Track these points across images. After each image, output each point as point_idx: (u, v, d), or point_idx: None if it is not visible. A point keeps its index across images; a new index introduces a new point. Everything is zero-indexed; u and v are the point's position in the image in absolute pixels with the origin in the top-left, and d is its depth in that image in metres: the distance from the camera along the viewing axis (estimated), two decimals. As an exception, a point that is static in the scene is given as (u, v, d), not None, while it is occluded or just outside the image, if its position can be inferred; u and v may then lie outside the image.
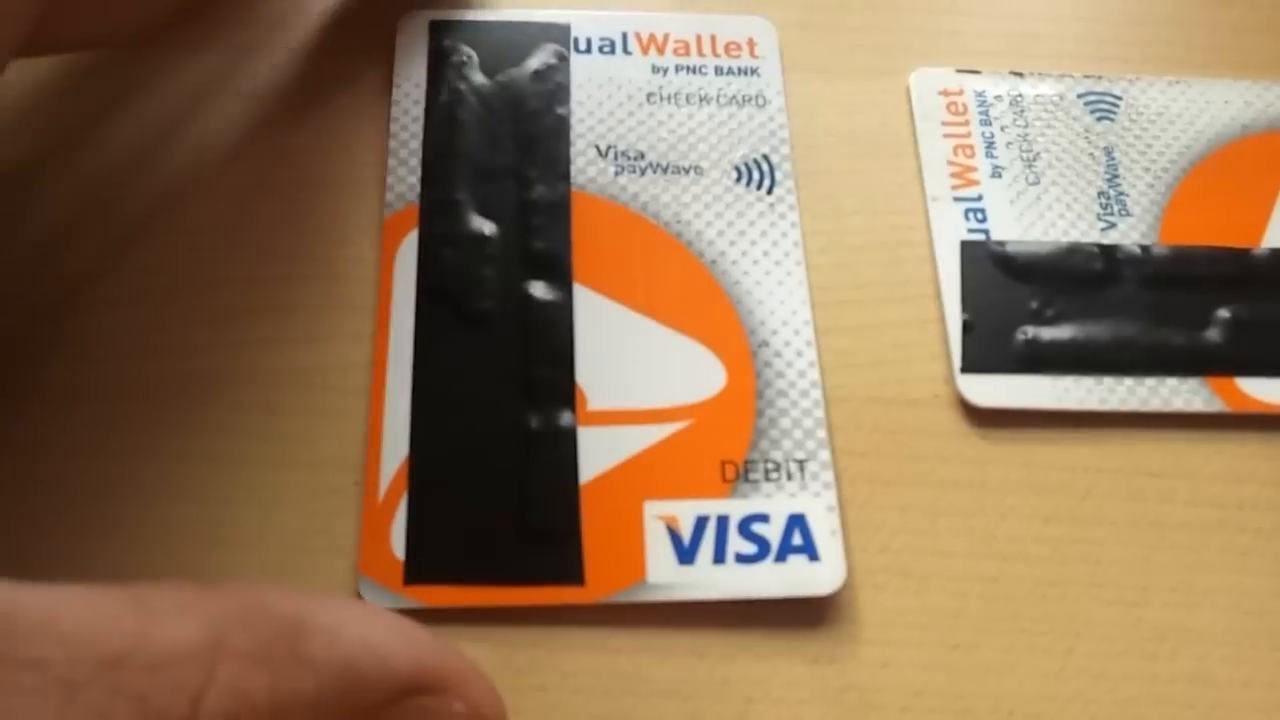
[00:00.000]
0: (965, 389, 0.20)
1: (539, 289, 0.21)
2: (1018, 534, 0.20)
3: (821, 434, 0.20)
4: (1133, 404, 0.20)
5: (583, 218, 0.21)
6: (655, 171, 0.22)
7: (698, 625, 0.18)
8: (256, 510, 0.19)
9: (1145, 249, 0.22)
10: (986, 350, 0.21)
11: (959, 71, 0.24)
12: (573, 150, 0.22)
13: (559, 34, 0.24)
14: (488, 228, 0.21)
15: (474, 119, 0.22)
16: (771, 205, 0.22)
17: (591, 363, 0.20)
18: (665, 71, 0.23)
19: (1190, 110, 0.24)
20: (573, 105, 0.23)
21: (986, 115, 0.23)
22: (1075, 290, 0.21)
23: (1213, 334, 0.21)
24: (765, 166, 0.22)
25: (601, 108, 0.23)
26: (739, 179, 0.22)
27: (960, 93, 0.24)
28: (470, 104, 0.22)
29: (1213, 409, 0.20)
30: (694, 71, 0.23)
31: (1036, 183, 0.22)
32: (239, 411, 0.20)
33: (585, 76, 0.23)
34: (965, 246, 0.22)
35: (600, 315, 0.21)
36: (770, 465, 0.19)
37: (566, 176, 0.22)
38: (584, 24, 0.24)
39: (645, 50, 0.23)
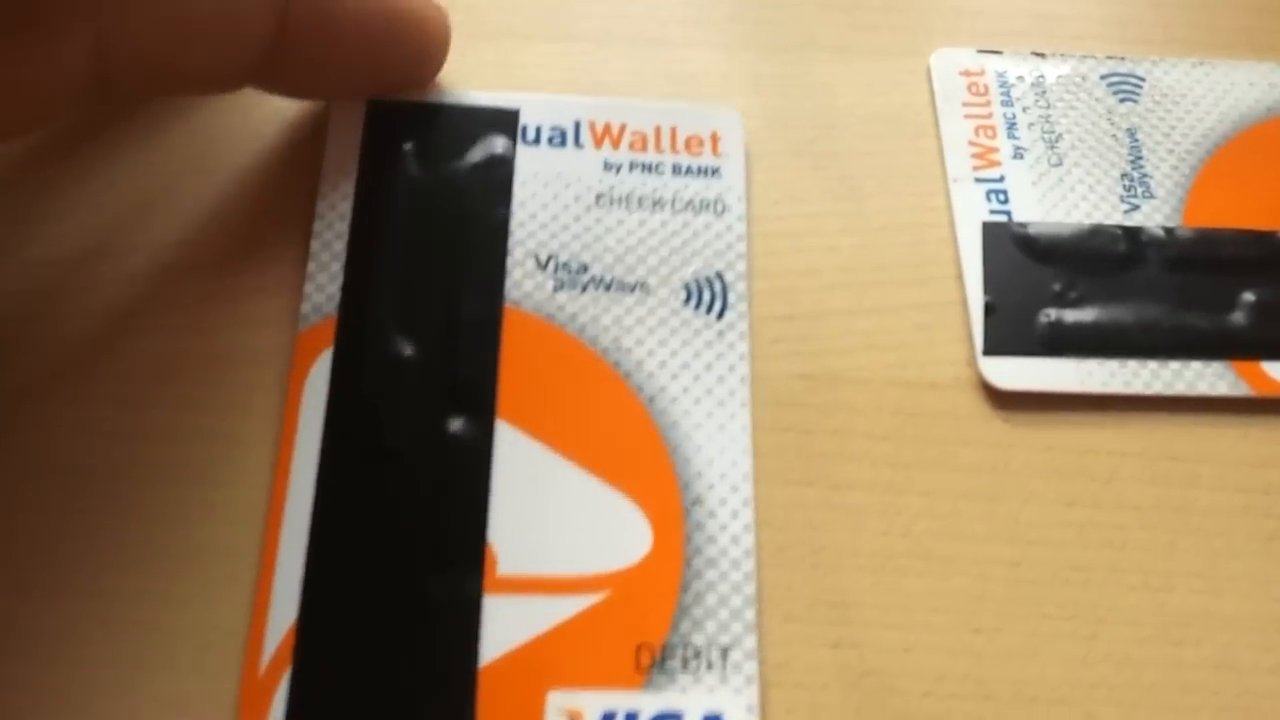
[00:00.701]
0: (987, 371, 0.20)
1: (458, 424, 0.19)
2: (1040, 518, 0.19)
3: (749, 615, 0.18)
4: (1157, 387, 0.20)
5: (514, 341, 0.20)
6: (598, 288, 0.20)
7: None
8: (130, 667, 0.17)
9: (1169, 231, 0.22)
10: (1009, 332, 0.20)
11: (980, 52, 0.24)
12: (510, 259, 0.20)
13: (507, 121, 0.21)
14: (408, 349, 0.19)
15: (405, 219, 0.20)
16: (720, 333, 0.20)
17: (507, 517, 0.18)
18: (618, 169, 0.21)
19: (1215, 92, 0.23)
20: (514, 206, 0.21)
21: (1008, 96, 0.23)
22: (1098, 272, 0.21)
23: (1238, 317, 0.21)
24: (718, 286, 0.20)
25: (546, 210, 0.21)
26: (688, 300, 0.20)
27: (982, 73, 0.23)
28: (403, 201, 0.20)
29: (1238, 393, 0.20)
30: (649, 170, 0.21)
31: (1059, 164, 0.22)
32: (122, 552, 0.18)
33: (531, 172, 0.21)
34: (987, 228, 0.21)
35: (522, 459, 0.19)
36: (690, 652, 0.18)
37: (500, 291, 0.20)
38: (535, 110, 0.22)
39: (599, 143, 0.21)
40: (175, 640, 0.18)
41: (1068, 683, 0.18)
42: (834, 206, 0.22)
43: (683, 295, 0.20)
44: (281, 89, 0.20)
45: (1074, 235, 0.21)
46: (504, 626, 0.18)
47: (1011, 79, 0.23)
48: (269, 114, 0.22)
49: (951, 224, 0.22)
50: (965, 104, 0.23)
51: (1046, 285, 0.21)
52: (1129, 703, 0.18)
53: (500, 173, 0.21)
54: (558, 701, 0.17)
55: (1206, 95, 0.23)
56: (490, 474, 0.19)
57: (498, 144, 0.21)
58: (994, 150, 0.22)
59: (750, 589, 0.18)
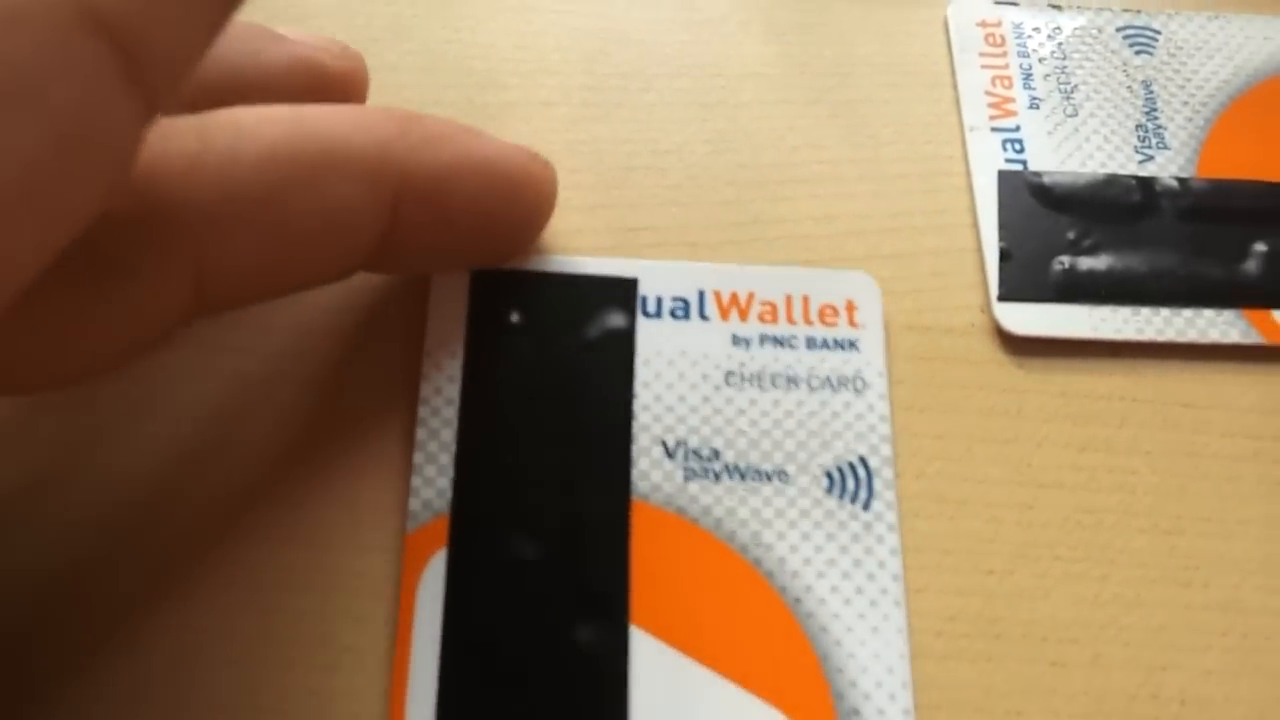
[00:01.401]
0: (1002, 317, 0.20)
1: (588, 632, 0.17)
2: (1053, 462, 0.19)
3: None
4: (1169, 334, 0.20)
5: (644, 539, 0.18)
6: (732, 477, 0.18)
7: None
8: None
9: (1183, 182, 0.22)
10: (1023, 279, 0.21)
11: (997, 3, 0.24)
12: (635, 447, 0.18)
13: (624, 292, 0.20)
14: (529, 550, 0.18)
15: (518, 402, 0.19)
16: (868, 525, 0.18)
17: None
18: (748, 343, 0.19)
19: (1230, 45, 0.23)
20: (638, 386, 0.19)
21: (1024, 47, 0.23)
22: (1112, 221, 0.21)
23: (1250, 266, 0.21)
24: (862, 472, 0.19)
25: (671, 390, 0.19)
26: (830, 488, 0.18)
27: (998, 24, 0.23)
28: (514, 382, 0.19)
29: (1249, 340, 0.20)
30: (781, 344, 0.19)
31: (1074, 114, 0.22)
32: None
33: (653, 349, 0.19)
34: (1003, 176, 0.22)
35: (661, 669, 0.17)
36: None
37: (626, 482, 0.18)
38: (655, 279, 0.20)
39: (725, 315, 0.20)
40: None
41: (1078, 623, 0.18)
42: (851, 154, 0.22)
43: (825, 483, 0.18)
44: (389, 271, 0.19)
45: (1089, 184, 0.21)
46: None
47: (1028, 30, 0.23)
48: (368, 287, 0.20)
49: (967, 172, 0.22)
50: (982, 54, 0.23)
51: (1061, 233, 0.21)
52: (1138, 643, 0.18)
53: (620, 349, 0.19)
54: None
55: (1222, 48, 0.23)
56: (628, 687, 0.17)
57: (616, 317, 0.19)
58: (1010, 100, 0.22)
59: None
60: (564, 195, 0.20)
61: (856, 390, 0.19)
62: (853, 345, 0.19)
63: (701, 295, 0.20)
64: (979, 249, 0.21)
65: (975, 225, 0.21)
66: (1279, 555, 0.19)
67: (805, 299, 0.20)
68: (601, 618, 0.17)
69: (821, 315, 0.20)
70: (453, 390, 0.19)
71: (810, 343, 0.19)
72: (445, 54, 0.22)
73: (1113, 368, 0.20)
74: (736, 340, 0.19)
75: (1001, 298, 0.20)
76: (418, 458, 0.18)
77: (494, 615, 0.17)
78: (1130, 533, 0.19)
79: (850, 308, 0.20)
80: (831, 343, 0.19)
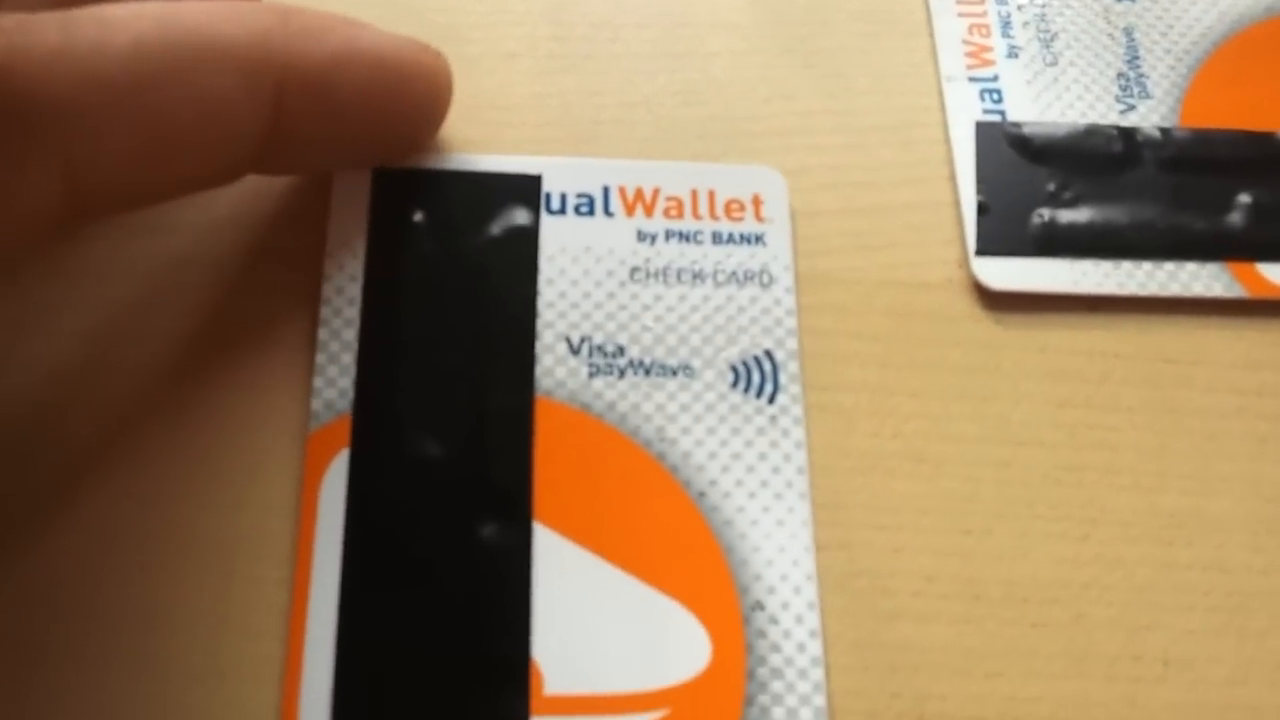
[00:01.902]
0: (980, 272, 0.20)
1: (491, 530, 0.17)
2: (1032, 419, 0.19)
3: None
4: (1151, 288, 0.20)
5: (548, 435, 0.18)
6: (637, 372, 0.18)
7: None
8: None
9: (1165, 132, 0.21)
10: (1002, 233, 0.20)
11: (974, -51, 0.23)
12: (540, 344, 0.18)
13: (528, 189, 0.19)
14: (432, 448, 0.18)
15: (421, 301, 0.18)
16: (773, 419, 0.18)
17: (551, 631, 0.17)
18: (653, 239, 0.19)
19: (1213, -9, 0.23)
20: (541, 284, 0.19)
21: (1002, -6, 0.22)
22: (1093, 173, 0.21)
23: (1234, 218, 0.20)
24: (768, 366, 0.19)
25: (576, 287, 0.19)
26: (736, 382, 0.18)
27: (975, -29, 0.23)
28: (417, 281, 0.19)
29: (1232, 294, 0.20)
30: (687, 239, 0.19)
31: (1054, 63, 0.22)
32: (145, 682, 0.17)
33: (558, 246, 0.19)
34: (980, 127, 0.21)
35: (565, 566, 0.17)
36: None
37: (530, 379, 0.18)
38: (559, 175, 0.19)
39: (631, 211, 0.19)
40: None
41: (1058, 583, 0.18)
42: (824, 105, 0.21)
43: (730, 378, 0.18)
44: (280, 172, 0.19)
45: (1069, 135, 0.21)
46: None
47: (1006, -23, 0.23)
48: (271, 191, 0.20)
49: (944, 123, 0.21)
50: (959, 1, 0.22)
51: (1040, 185, 0.20)
52: (1120, 603, 0.18)
53: (524, 247, 0.19)
54: None
55: (1205, -5, 0.23)
56: (531, 584, 0.17)
57: (520, 214, 0.19)
58: (988, 49, 0.22)
59: (820, 700, 0.17)
60: (531, 150, 0.19)
61: (763, 284, 0.19)
62: (759, 240, 0.19)
63: (606, 191, 0.19)
64: (956, 202, 0.20)
65: (952, 178, 0.21)
66: (1262, 513, 0.19)
67: (711, 194, 0.20)
68: (504, 515, 0.17)
69: (728, 210, 0.20)
70: (355, 290, 0.18)
71: (716, 237, 0.19)
72: (405, 5, 0.22)
73: (1093, 323, 0.20)
74: (642, 236, 0.19)
75: (979, 252, 0.20)
76: (319, 358, 0.18)
77: (396, 514, 0.17)
78: (1112, 491, 0.19)
79: (756, 202, 0.20)
80: (738, 237, 0.19)
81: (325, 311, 0.18)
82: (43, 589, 0.17)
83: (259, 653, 0.17)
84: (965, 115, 0.21)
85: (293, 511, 0.17)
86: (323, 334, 0.18)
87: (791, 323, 0.19)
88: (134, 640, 0.17)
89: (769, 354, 0.19)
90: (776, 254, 0.19)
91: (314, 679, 0.16)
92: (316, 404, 0.18)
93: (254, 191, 0.20)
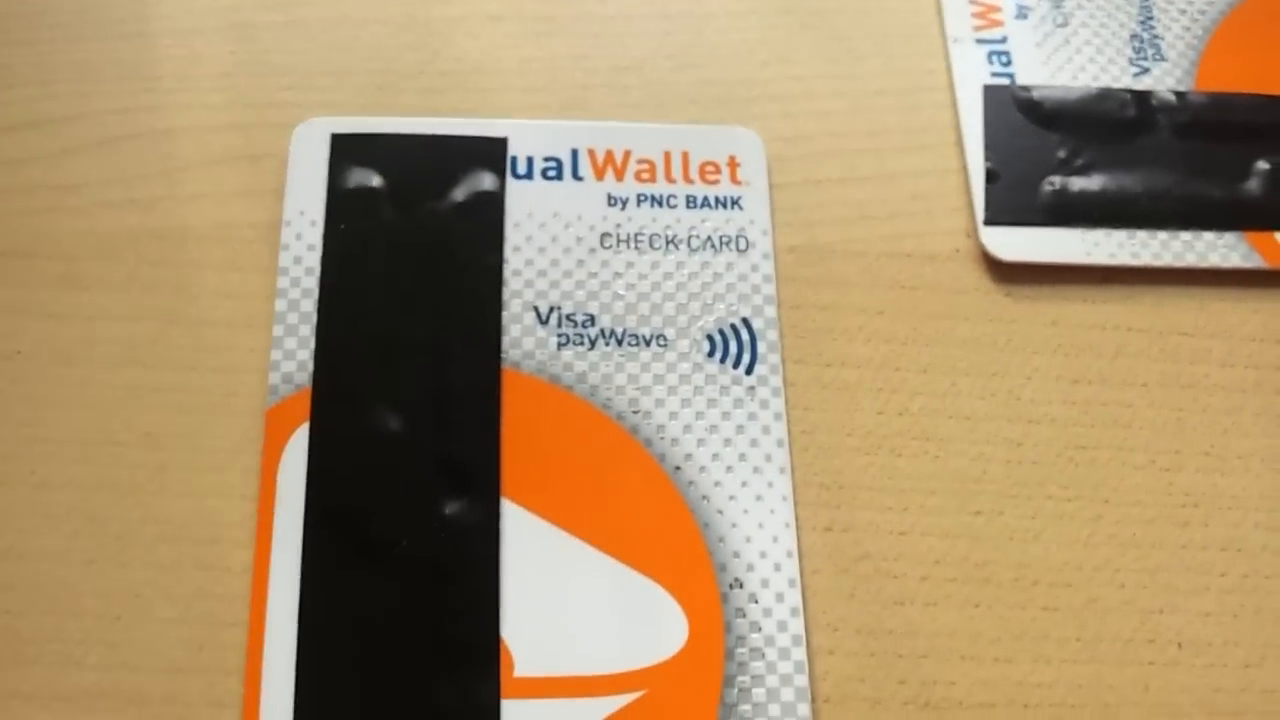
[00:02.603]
0: (989, 242, 0.19)
1: (456, 507, 0.16)
2: (1043, 395, 0.18)
3: (804, 710, 0.16)
4: (1166, 259, 0.19)
5: (515, 409, 0.17)
6: (608, 342, 0.18)
7: None
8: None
9: (1180, 95, 0.20)
10: (1011, 201, 0.19)
11: (981, -95, 0.22)
12: (506, 314, 0.18)
13: (493, 152, 0.19)
14: (394, 422, 0.17)
15: (381, 270, 0.18)
16: (751, 390, 0.18)
17: (521, 612, 0.16)
18: (625, 203, 0.19)
19: (1228, -51, 0.22)
20: (508, 251, 0.18)
21: (1010, -48, 0.22)
22: (1106, 138, 0.20)
23: (1251, 186, 0.20)
24: (745, 335, 0.18)
25: (544, 254, 0.18)
26: (712, 352, 0.18)
27: (982, -72, 0.22)
28: (378, 249, 0.18)
29: (1250, 264, 0.19)
30: (660, 203, 0.19)
31: (1065, 24, 0.21)
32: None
33: (524, 212, 0.18)
34: (988, 91, 0.20)
35: (533, 544, 0.16)
36: None
37: (496, 351, 0.17)
38: (525, 138, 0.19)
39: (601, 174, 0.19)
40: None
41: (1071, 565, 0.17)
42: (825, 69, 0.20)
43: (706, 347, 0.18)
44: None
45: (1080, 99, 0.20)
46: None
47: (1014, -65, 0.22)
48: (228, 156, 0.19)
49: (951, 87, 0.20)
50: (965, -40, 0.21)
51: (1051, 152, 0.20)
52: (1135, 585, 0.17)
53: (489, 212, 0.18)
54: None
55: (1220, -47, 0.22)
56: (499, 563, 0.16)
57: (484, 179, 0.19)
58: (996, 9, 0.21)
59: (802, 680, 0.16)
60: (519, 117, 0.19)
61: (740, 250, 0.18)
62: (735, 203, 0.19)
63: (575, 154, 0.19)
64: (964, 170, 0.20)
65: (959, 144, 0.20)
66: (1281, 490, 0.18)
67: (685, 156, 0.19)
68: (471, 492, 0.17)
69: (702, 173, 0.19)
70: (313, 259, 0.18)
71: (690, 201, 0.19)
72: (387, -35, 0.21)
73: (1106, 295, 0.19)
74: (612, 200, 0.19)
75: (988, 221, 0.19)
76: (277, 330, 0.17)
77: (357, 491, 0.17)
78: (1125, 469, 0.18)
79: (733, 164, 0.19)
80: (713, 201, 0.19)
81: (283, 282, 0.18)
82: (9, 576, 0.16)
83: (222, 640, 0.16)
84: (972, 78, 0.20)
85: (253, 489, 0.17)
86: (280, 305, 0.18)
87: (770, 290, 0.18)
88: (100, 629, 0.16)
89: (746, 322, 0.18)
90: (754, 218, 0.19)
91: (275, 665, 0.16)
92: (274, 378, 0.17)
93: (216, 161, 0.19)
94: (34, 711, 0.15)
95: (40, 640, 0.16)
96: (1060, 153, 0.20)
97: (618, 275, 0.18)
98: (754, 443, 0.17)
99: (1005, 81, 0.20)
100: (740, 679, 0.16)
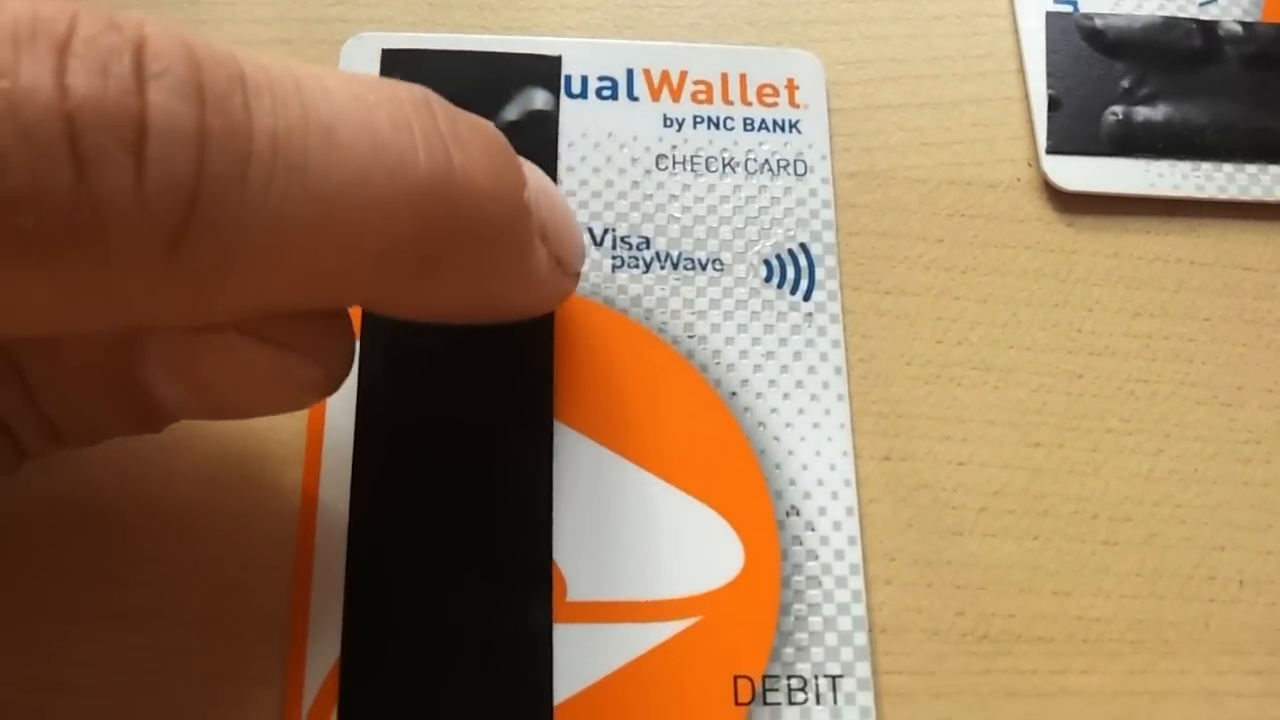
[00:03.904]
0: (1051, 171, 0.18)
1: (509, 429, 0.16)
2: (1104, 328, 0.18)
3: (861, 639, 0.16)
4: (1231, 192, 0.19)
5: (569, 330, 0.17)
6: (664, 265, 0.17)
7: None
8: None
9: (1247, 26, 0.20)
10: (1074, 130, 0.19)
11: None
12: None
13: (546, 70, 0.18)
14: (444, 340, 0.16)
15: None
16: (808, 316, 0.17)
17: (574, 535, 0.16)
18: (680, 125, 0.18)
19: (1296, -121, 0.21)
20: (561, 171, 0.18)
21: (1073, -122, 0.21)
22: (1171, 68, 0.19)
23: (1319, 119, 0.19)
24: (803, 261, 0.17)
25: (598, 175, 0.18)
26: (769, 277, 0.17)
27: None
28: None
29: (1317, 199, 0.19)
30: (716, 125, 0.18)
31: (1129, -48, 0.20)
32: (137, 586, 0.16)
33: (578, 132, 0.18)
34: (1051, 18, 0.20)
35: (587, 468, 0.16)
36: (795, 683, 0.15)
37: None
38: (580, 56, 0.18)
39: (656, 95, 0.18)
40: (203, 686, 0.15)
41: (1131, 499, 0.17)
42: (885, -8, 0.20)
43: (763, 272, 0.17)
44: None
45: (1145, 28, 0.20)
46: (579, 659, 0.15)
47: None
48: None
49: (1012, 14, 0.20)
50: (1028, -116, 0.21)
51: (1115, 81, 0.19)
52: (1194, 520, 0.17)
53: (542, 132, 0.18)
54: None
55: (1287, -117, 0.21)
56: (552, 486, 0.16)
57: (537, 98, 0.18)
58: (1059, -65, 0.20)
59: (860, 610, 0.16)
60: (571, 35, 0.18)
61: (798, 174, 0.18)
62: (794, 127, 0.18)
63: (630, 74, 0.18)
64: (1025, 98, 0.19)
65: (1021, 71, 0.19)
66: (1346, 428, 0.18)
67: (743, 77, 0.18)
68: (524, 414, 0.16)
69: (760, 95, 0.18)
70: None
71: (748, 124, 0.18)
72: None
73: (1169, 227, 0.19)
74: (668, 121, 0.18)
75: (1050, 150, 0.19)
76: None
77: (409, 410, 0.16)
78: (1187, 404, 0.18)
79: (791, 87, 0.18)
80: (771, 124, 0.18)
81: None
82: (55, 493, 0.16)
83: (270, 559, 0.16)
84: (1035, 5, 0.20)
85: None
86: None
87: (829, 215, 0.18)
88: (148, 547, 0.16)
89: (804, 248, 0.18)
90: (812, 142, 0.18)
91: (323, 585, 0.15)
92: None
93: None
94: (81, 628, 0.15)
95: (88, 557, 0.16)
96: (1124, 82, 0.19)
97: (673, 198, 0.18)
98: (811, 369, 0.17)
99: (1068, 8, 0.20)
100: (796, 607, 0.16)
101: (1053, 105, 0.19)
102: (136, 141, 0.09)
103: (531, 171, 0.14)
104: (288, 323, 0.13)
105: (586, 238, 0.17)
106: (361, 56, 0.18)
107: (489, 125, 0.13)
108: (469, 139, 0.12)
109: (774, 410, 0.17)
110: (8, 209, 0.09)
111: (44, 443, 0.14)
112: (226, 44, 0.11)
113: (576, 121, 0.18)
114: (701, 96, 0.18)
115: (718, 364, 0.17)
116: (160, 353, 0.12)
